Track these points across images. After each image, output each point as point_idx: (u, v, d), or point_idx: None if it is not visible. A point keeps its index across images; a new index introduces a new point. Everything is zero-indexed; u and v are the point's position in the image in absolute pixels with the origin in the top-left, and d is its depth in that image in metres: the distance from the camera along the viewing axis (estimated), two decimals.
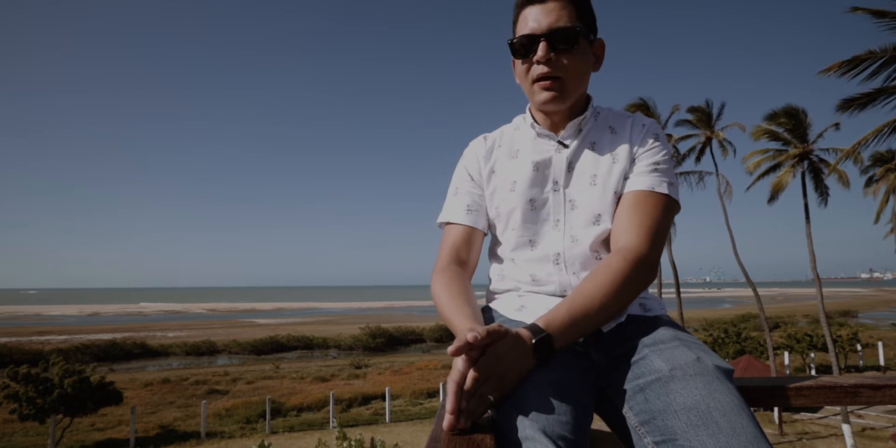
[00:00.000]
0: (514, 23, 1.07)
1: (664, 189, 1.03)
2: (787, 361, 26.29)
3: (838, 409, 19.36)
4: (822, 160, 21.13)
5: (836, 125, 19.80)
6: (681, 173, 24.31)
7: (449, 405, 0.71)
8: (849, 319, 54.53)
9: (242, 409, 21.77)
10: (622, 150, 1.08)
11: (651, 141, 1.08)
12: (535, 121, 1.12)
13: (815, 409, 20.09)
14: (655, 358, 0.86)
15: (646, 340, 0.92)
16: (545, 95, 1.02)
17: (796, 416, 19.70)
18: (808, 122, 20.86)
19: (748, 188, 22.80)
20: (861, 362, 30.37)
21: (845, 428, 15.21)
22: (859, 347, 30.28)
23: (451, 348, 0.73)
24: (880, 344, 30.35)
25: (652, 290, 1.07)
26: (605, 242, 1.06)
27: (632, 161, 1.07)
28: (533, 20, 1.01)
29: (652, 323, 0.98)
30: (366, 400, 23.78)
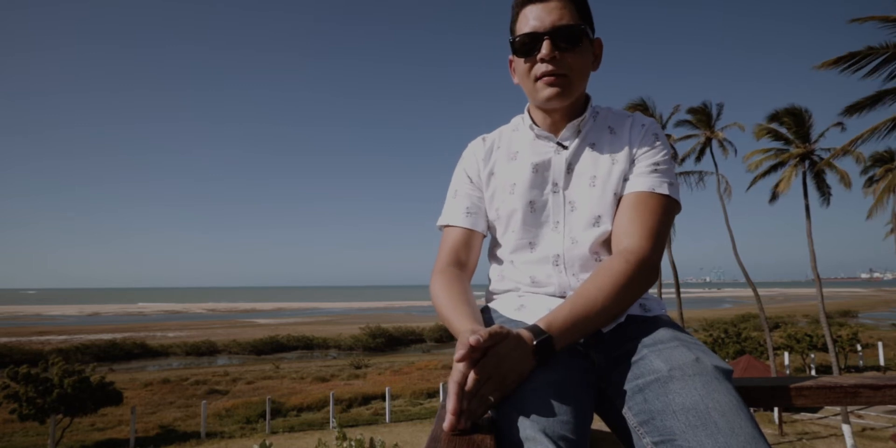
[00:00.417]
0: (513, 22, 1.06)
1: (664, 190, 1.03)
2: (787, 361, 26.30)
3: (838, 409, 19.36)
4: (823, 160, 21.14)
5: (841, 125, 19.77)
6: (681, 173, 24.32)
7: (450, 405, 0.71)
8: (849, 319, 54.54)
9: (242, 409, 21.78)
10: (622, 151, 1.08)
11: (651, 141, 1.08)
12: (534, 122, 1.12)
13: (815, 409, 20.09)
14: (655, 358, 0.86)
15: (645, 341, 0.92)
16: (549, 91, 1.02)
17: (796, 416, 19.70)
18: (810, 122, 20.88)
19: (749, 187, 22.80)
20: (861, 362, 30.37)
21: (845, 428, 15.21)
22: (859, 347, 30.29)
23: (456, 356, 0.73)
24: (880, 344, 30.35)
25: (652, 290, 1.07)
26: (605, 244, 1.06)
27: (632, 162, 1.07)
28: (535, 18, 1.00)
29: (651, 323, 0.98)
30: (366, 400, 23.78)
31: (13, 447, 18.06)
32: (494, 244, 1.18)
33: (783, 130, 21.58)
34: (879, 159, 21.37)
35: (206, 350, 41.09)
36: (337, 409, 21.63)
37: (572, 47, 1.00)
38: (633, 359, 0.89)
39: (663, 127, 23.79)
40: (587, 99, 1.13)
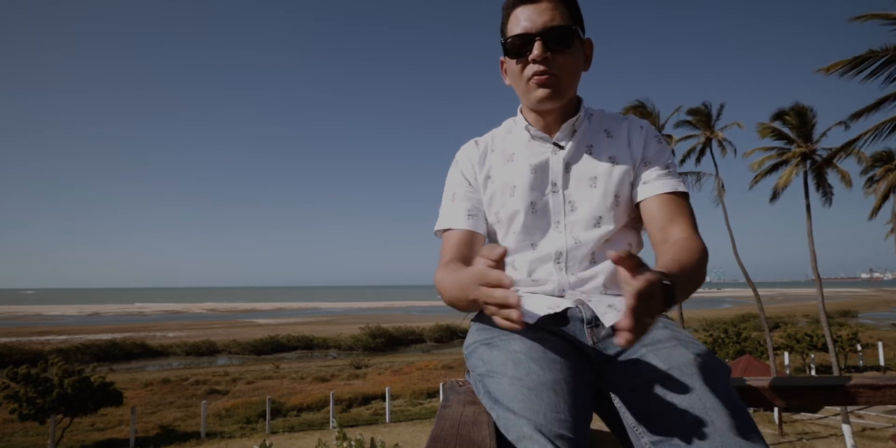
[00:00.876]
0: (504, 24, 1.06)
1: (682, 187, 1.08)
2: (787, 361, 26.29)
3: (838, 409, 19.35)
4: (823, 158, 21.14)
5: (843, 124, 19.76)
6: (679, 173, 24.29)
7: (627, 321, 0.64)
8: (849, 319, 54.53)
9: (242, 409, 21.77)
10: (622, 154, 1.09)
11: (655, 143, 1.11)
12: (528, 123, 1.12)
13: (815, 409, 20.08)
14: (653, 357, 0.86)
15: (644, 340, 0.92)
16: (541, 92, 1.02)
17: (796, 416, 19.70)
18: (814, 122, 20.89)
19: (751, 186, 22.77)
20: (861, 362, 30.36)
21: (845, 428, 15.20)
22: (859, 347, 30.28)
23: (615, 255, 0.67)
24: (880, 344, 30.34)
25: None
26: (606, 245, 1.06)
27: (642, 163, 1.09)
28: (526, 20, 1.01)
29: None
30: (366, 400, 23.78)
31: (13, 447, 18.06)
32: None
33: (786, 130, 21.59)
34: (879, 159, 21.38)
35: (206, 350, 41.09)
36: (337, 409, 21.63)
37: (564, 48, 1.01)
38: (632, 358, 0.90)
39: (663, 127, 23.91)
40: (579, 100, 1.13)
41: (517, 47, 1.02)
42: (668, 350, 0.87)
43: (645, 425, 0.79)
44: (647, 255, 0.97)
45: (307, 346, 43.09)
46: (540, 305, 1.01)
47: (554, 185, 1.09)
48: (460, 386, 1.09)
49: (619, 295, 1.04)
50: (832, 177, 21.48)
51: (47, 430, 17.80)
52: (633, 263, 0.69)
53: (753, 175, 22.67)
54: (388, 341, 43.59)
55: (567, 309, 1.00)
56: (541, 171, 1.09)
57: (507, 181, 1.11)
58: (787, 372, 26.15)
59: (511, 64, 1.06)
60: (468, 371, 1.04)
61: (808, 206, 21.21)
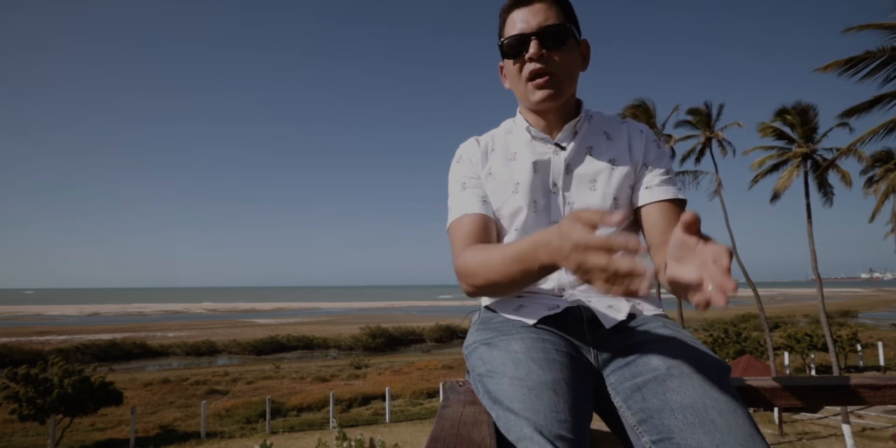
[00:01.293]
0: (501, 28, 1.08)
1: (682, 195, 1.09)
2: (787, 361, 26.30)
3: (838, 409, 19.36)
4: (826, 160, 21.14)
5: (846, 125, 19.78)
6: (677, 173, 24.35)
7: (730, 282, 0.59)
8: (849, 319, 54.54)
9: (242, 409, 21.77)
10: (621, 157, 1.09)
11: (655, 148, 1.12)
12: (529, 124, 1.12)
13: (815, 409, 20.09)
14: (653, 357, 0.86)
15: (643, 339, 0.92)
16: (541, 93, 1.03)
17: (796, 416, 19.70)
18: (815, 121, 20.89)
19: (751, 186, 22.78)
20: (861, 362, 30.36)
21: (845, 428, 15.21)
22: (859, 347, 30.28)
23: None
24: (880, 344, 30.34)
25: (651, 289, 1.08)
26: None
27: (643, 168, 1.10)
28: (521, 21, 1.02)
29: (650, 322, 0.98)
30: (366, 400, 23.78)
31: (13, 447, 18.07)
32: None
33: (787, 129, 21.59)
34: (879, 159, 21.38)
35: (206, 350, 41.09)
36: (337, 409, 21.63)
37: (559, 46, 1.02)
38: (632, 357, 0.90)
39: (662, 127, 23.92)
40: (579, 102, 1.13)
41: (514, 48, 1.03)
42: (668, 349, 0.87)
43: (645, 424, 0.80)
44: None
45: (307, 346, 43.09)
46: (540, 306, 1.01)
47: (554, 185, 1.09)
48: (460, 386, 1.09)
49: (617, 297, 1.04)
50: (832, 177, 21.50)
51: (47, 430, 17.80)
52: (699, 229, 0.67)
53: (753, 175, 22.69)
54: (388, 341, 43.59)
55: (567, 309, 1.00)
56: (542, 171, 1.09)
57: (511, 178, 1.11)
58: (787, 372, 26.15)
59: (509, 65, 1.07)
60: (468, 371, 1.04)
61: (808, 207, 21.22)
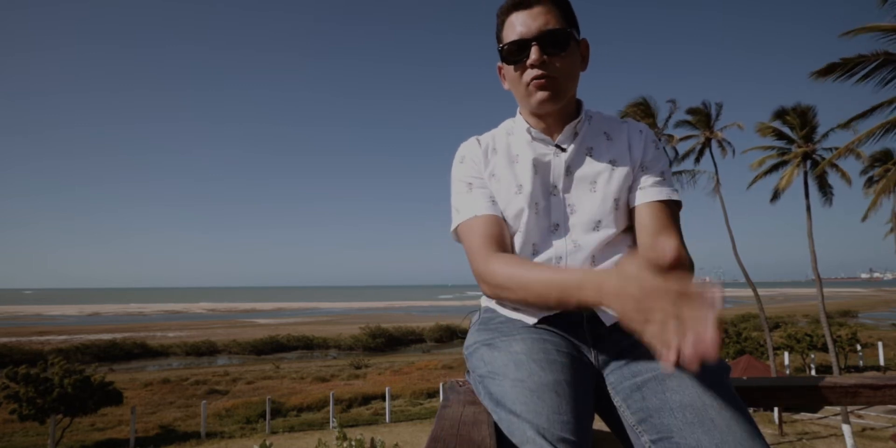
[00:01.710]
0: (499, 30, 1.07)
1: (676, 196, 1.09)
2: (787, 361, 26.28)
3: (838, 409, 19.35)
4: (825, 160, 21.15)
5: (847, 126, 19.80)
6: (676, 172, 24.36)
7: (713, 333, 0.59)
8: (849, 319, 54.51)
9: (242, 409, 21.77)
10: (621, 158, 1.09)
11: (653, 149, 1.11)
12: (529, 125, 1.12)
13: (815, 409, 20.08)
14: (652, 356, 0.86)
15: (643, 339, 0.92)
16: (540, 96, 1.03)
17: (796, 416, 19.69)
18: (815, 121, 20.90)
19: (750, 186, 22.78)
20: (861, 362, 30.35)
21: (845, 428, 15.20)
22: (859, 347, 30.27)
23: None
24: (880, 344, 30.33)
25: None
26: (606, 248, 1.07)
27: (640, 168, 1.09)
28: (521, 25, 1.01)
29: None
30: (366, 400, 23.77)
31: (13, 447, 18.06)
32: None
33: (786, 130, 21.60)
34: (878, 159, 21.39)
35: (206, 350, 41.07)
36: (337, 409, 21.62)
37: (560, 51, 1.01)
38: (631, 357, 0.90)
39: (663, 127, 23.90)
40: (579, 103, 1.13)
41: (514, 53, 1.03)
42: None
43: (645, 424, 0.80)
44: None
45: (307, 346, 43.07)
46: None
47: (555, 187, 1.09)
48: (460, 386, 1.09)
49: None
50: (832, 177, 21.51)
51: (47, 430, 17.80)
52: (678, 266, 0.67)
53: (753, 174, 22.70)
54: (388, 341, 43.57)
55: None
56: (543, 173, 1.09)
57: (514, 180, 1.10)
58: (787, 372, 26.14)
59: (509, 70, 1.07)
60: (468, 371, 1.04)
61: (808, 207, 21.22)
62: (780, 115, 21.39)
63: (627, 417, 0.83)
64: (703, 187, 24.07)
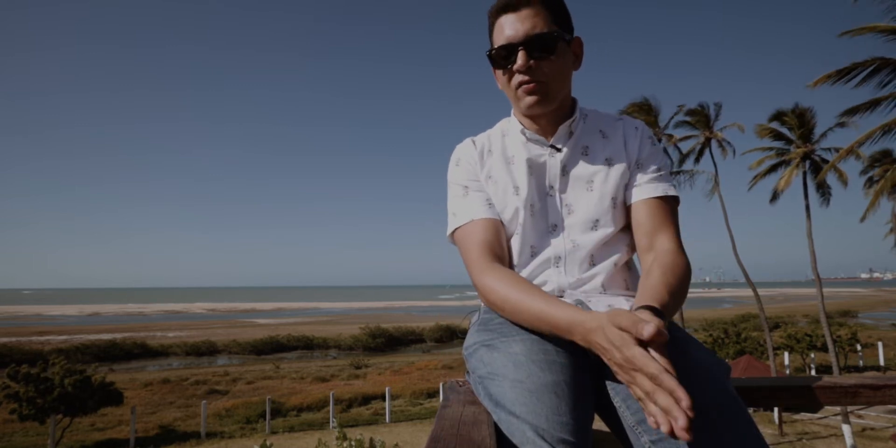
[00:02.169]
0: (491, 32, 1.06)
1: (673, 191, 1.08)
2: (787, 361, 26.27)
3: (838, 409, 19.35)
4: (824, 160, 21.14)
5: (844, 124, 19.76)
6: (675, 172, 24.36)
7: (686, 401, 0.62)
8: (849, 319, 54.47)
9: (242, 409, 21.76)
10: (617, 156, 1.09)
11: (649, 145, 1.10)
12: (524, 127, 1.11)
13: (815, 409, 20.05)
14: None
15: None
16: (529, 99, 1.02)
17: (796, 416, 19.68)
18: (813, 122, 20.91)
19: (750, 187, 22.79)
20: (861, 362, 30.34)
21: (845, 428, 15.19)
22: (859, 347, 30.26)
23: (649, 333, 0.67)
24: (880, 344, 30.31)
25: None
26: (604, 247, 1.07)
27: (636, 165, 1.09)
28: (509, 28, 1.00)
29: None
30: (366, 400, 23.76)
31: (13, 447, 18.05)
32: None
33: (784, 130, 21.60)
34: (877, 159, 21.38)
35: (206, 350, 41.05)
36: (337, 409, 21.61)
37: (548, 55, 1.00)
38: None
39: (664, 127, 23.89)
40: (574, 101, 1.12)
41: (502, 58, 1.02)
42: (668, 349, 0.87)
43: (644, 424, 0.79)
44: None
45: (307, 346, 43.05)
46: None
47: (551, 188, 1.09)
48: (460, 386, 1.09)
49: (617, 295, 1.04)
50: (830, 177, 21.49)
51: (47, 430, 17.78)
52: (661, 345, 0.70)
53: (753, 175, 22.69)
54: (388, 341, 43.56)
55: None
56: (538, 173, 1.09)
57: (510, 181, 1.10)
58: (787, 372, 26.13)
59: (499, 74, 1.06)
60: (468, 371, 1.04)
61: (807, 207, 21.22)
62: (778, 116, 21.42)
63: (627, 418, 0.83)
64: (702, 188, 24.11)
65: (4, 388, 16.83)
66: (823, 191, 21.59)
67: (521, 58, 0.99)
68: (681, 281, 0.92)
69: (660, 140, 23.84)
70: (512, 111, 1.16)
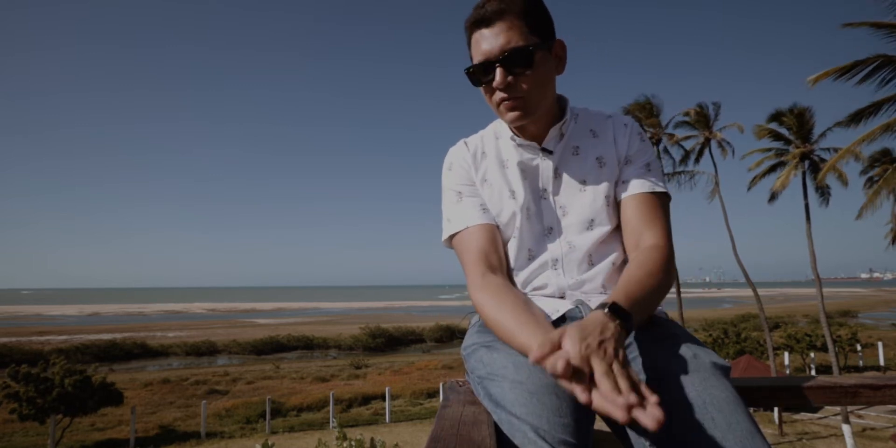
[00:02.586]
0: (469, 45, 1.04)
1: (662, 187, 1.07)
2: (787, 361, 26.27)
3: (838, 409, 19.36)
4: (823, 160, 21.12)
5: (849, 123, 19.71)
6: (675, 173, 24.36)
7: (582, 396, 0.62)
8: (849, 319, 54.48)
9: (242, 409, 21.76)
10: (608, 154, 1.09)
11: (638, 141, 1.10)
12: (514, 133, 1.11)
13: (815, 409, 20.06)
14: (652, 355, 0.87)
15: (643, 338, 0.92)
16: (511, 116, 1.02)
17: (796, 416, 19.68)
18: (812, 122, 20.89)
19: (749, 188, 22.78)
20: (861, 362, 30.35)
21: (845, 428, 15.20)
22: (859, 347, 30.26)
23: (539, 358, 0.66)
24: (880, 344, 30.31)
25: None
26: (601, 246, 1.07)
27: (625, 162, 1.09)
28: (485, 43, 0.98)
29: (649, 321, 0.98)
30: (366, 400, 23.76)
31: (13, 447, 18.05)
32: None
33: (783, 131, 21.58)
34: (877, 159, 21.37)
35: (206, 350, 41.06)
36: (337, 409, 21.62)
37: (526, 70, 0.98)
38: (631, 356, 0.90)
39: (665, 128, 23.88)
40: (564, 102, 1.11)
41: (480, 75, 1.00)
42: (669, 348, 0.87)
43: None
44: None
45: (307, 346, 43.05)
46: (541, 308, 1.01)
47: (544, 190, 1.09)
48: (460, 386, 1.09)
49: None
50: (830, 176, 21.47)
51: (47, 430, 17.78)
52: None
53: (753, 175, 22.67)
54: (388, 341, 43.56)
55: (567, 310, 1.00)
56: (531, 177, 1.09)
57: (505, 185, 1.10)
58: (787, 372, 26.13)
59: (480, 90, 1.05)
60: (468, 371, 1.04)
61: (806, 207, 21.22)
62: (777, 116, 21.39)
63: None
64: (703, 189, 24.09)
65: (4, 387, 16.83)
66: (823, 191, 21.57)
67: (499, 75, 0.97)
68: (652, 275, 0.91)
69: (660, 140, 23.83)
70: None
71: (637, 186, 1.06)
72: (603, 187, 1.07)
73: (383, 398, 22.17)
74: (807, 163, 21.30)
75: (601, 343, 0.68)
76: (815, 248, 20.66)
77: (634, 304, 0.83)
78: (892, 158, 20.20)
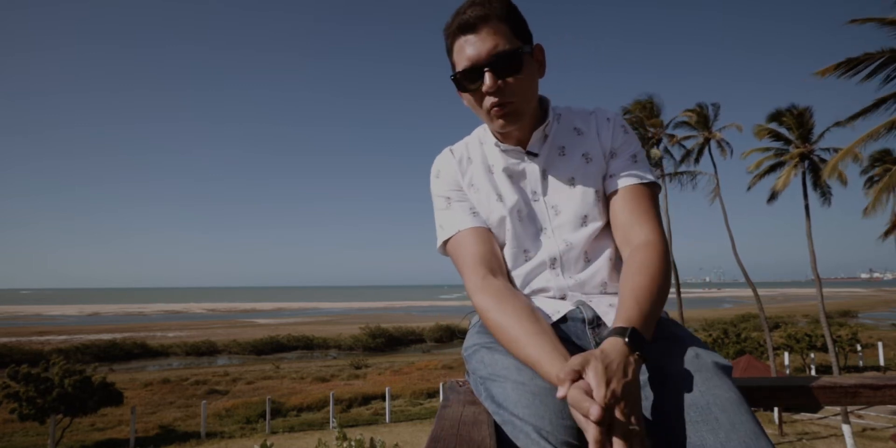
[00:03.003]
0: (449, 53, 1.03)
1: (650, 177, 1.07)
2: (787, 361, 26.27)
3: (838, 409, 19.35)
4: (822, 160, 21.12)
5: (841, 124, 19.71)
6: (675, 173, 24.37)
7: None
8: (849, 319, 54.46)
9: (242, 409, 21.76)
10: (594, 150, 1.09)
11: (622, 134, 1.10)
12: (497, 139, 1.11)
13: (815, 409, 20.06)
14: (654, 355, 0.86)
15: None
16: (502, 121, 1.01)
17: (796, 416, 19.68)
18: (811, 122, 20.89)
19: (749, 188, 22.77)
20: (861, 362, 30.34)
21: (845, 428, 15.20)
22: (859, 347, 30.25)
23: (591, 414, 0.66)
24: (880, 344, 30.31)
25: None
26: (596, 242, 1.07)
27: (610, 155, 1.09)
28: (471, 49, 0.97)
29: None
30: (366, 400, 23.76)
31: (13, 447, 18.05)
32: None
33: (783, 131, 21.58)
34: (878, 159, 21.35)
35: (206, 350, 41.05)
36: (337, 409, 21.61)
37: (514, 73, 0.97)
38: None
39: (665, 128, 23.89)
40: (546, 103, 1.11)
41: (468, 81, 0.99)
42: (670, 348, 0.87)
43: (647, 423, 0.79)
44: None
45: (307, 346, 43.04)
46: (542, 308, 1.01)
47: (534, 193, 1.09)
48: (460, 386, 1.10)
49: (616, 293, 1.04)
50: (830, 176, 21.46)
51: (47, 430, 17.78)
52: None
53: (752, 175, 22.66)
54: (388, 341, 43.55)
55: (569, 310, 1.00)
56: (518, 180, 1.10)
57: (493, 189, 1.10)
58: (787, 372, 26.13)
59: (465, 95, 1.04)
60: (468, 372, 1.04)
61: (806, 207, 21.21)
62: (777, 116, 21.38)
63: None
64: (704, 189, 24.07)
65: (4, 387, 16.82)
66: (823, 190, 21.56)
67: (488, 79, 0.96)
68: (655, 280, 0.91)
69: (660, 140, 23.83)
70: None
71: (624, 180, 1.06)
72: (592, 183, 1.07)
73: (383, 398, 22.16)
74: (807, 163, 21.31)
75: (625, 387, 0.68)
76: (815, 248, 20.67)
77: (649, 323, 0.83)
78: (893, 159, 20.19)
